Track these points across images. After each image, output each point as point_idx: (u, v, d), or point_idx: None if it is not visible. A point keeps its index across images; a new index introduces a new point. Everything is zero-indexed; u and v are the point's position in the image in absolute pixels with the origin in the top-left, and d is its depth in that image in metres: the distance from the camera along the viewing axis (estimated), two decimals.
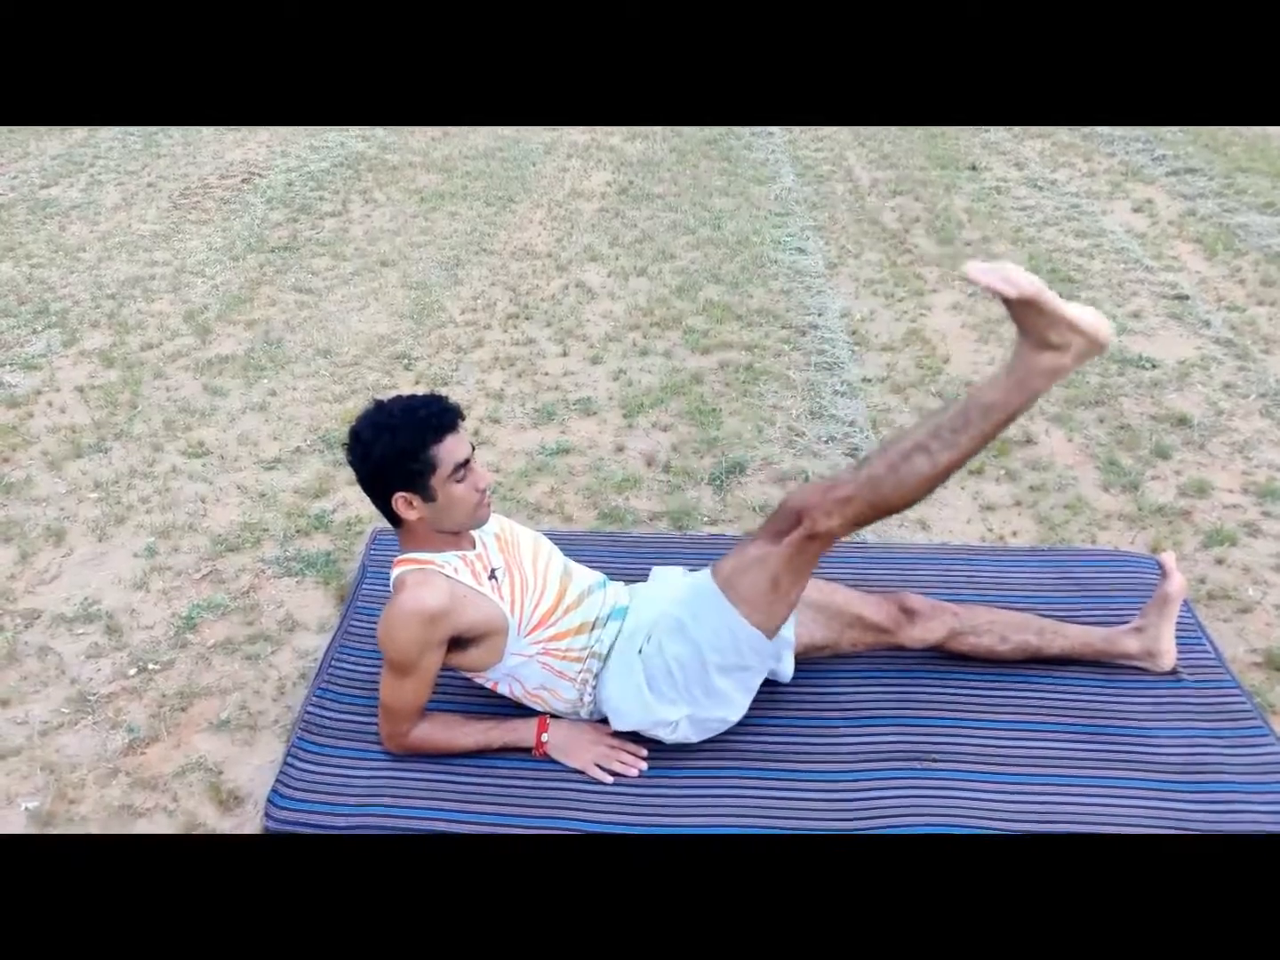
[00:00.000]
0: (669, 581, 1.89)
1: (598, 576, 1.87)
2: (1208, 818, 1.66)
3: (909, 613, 1.88)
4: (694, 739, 1.75)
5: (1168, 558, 1.95)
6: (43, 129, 6.37)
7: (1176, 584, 1.91)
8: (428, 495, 1.64)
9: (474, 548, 1.74)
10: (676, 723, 1.72)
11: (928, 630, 1.87)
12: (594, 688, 1.76)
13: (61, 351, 3.58)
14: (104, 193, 5.23)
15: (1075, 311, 1.49)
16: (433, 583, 1.63)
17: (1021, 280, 1.45)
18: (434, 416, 1.62)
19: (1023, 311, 1.49)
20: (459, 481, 1.64)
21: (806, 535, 1.61)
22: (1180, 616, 2.11)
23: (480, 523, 1.72)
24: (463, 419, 1.67)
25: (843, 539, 1.66)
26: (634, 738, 1.76)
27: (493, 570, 1.70)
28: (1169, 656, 1.92)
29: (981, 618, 1.92)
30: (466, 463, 1.65)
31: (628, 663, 1.72)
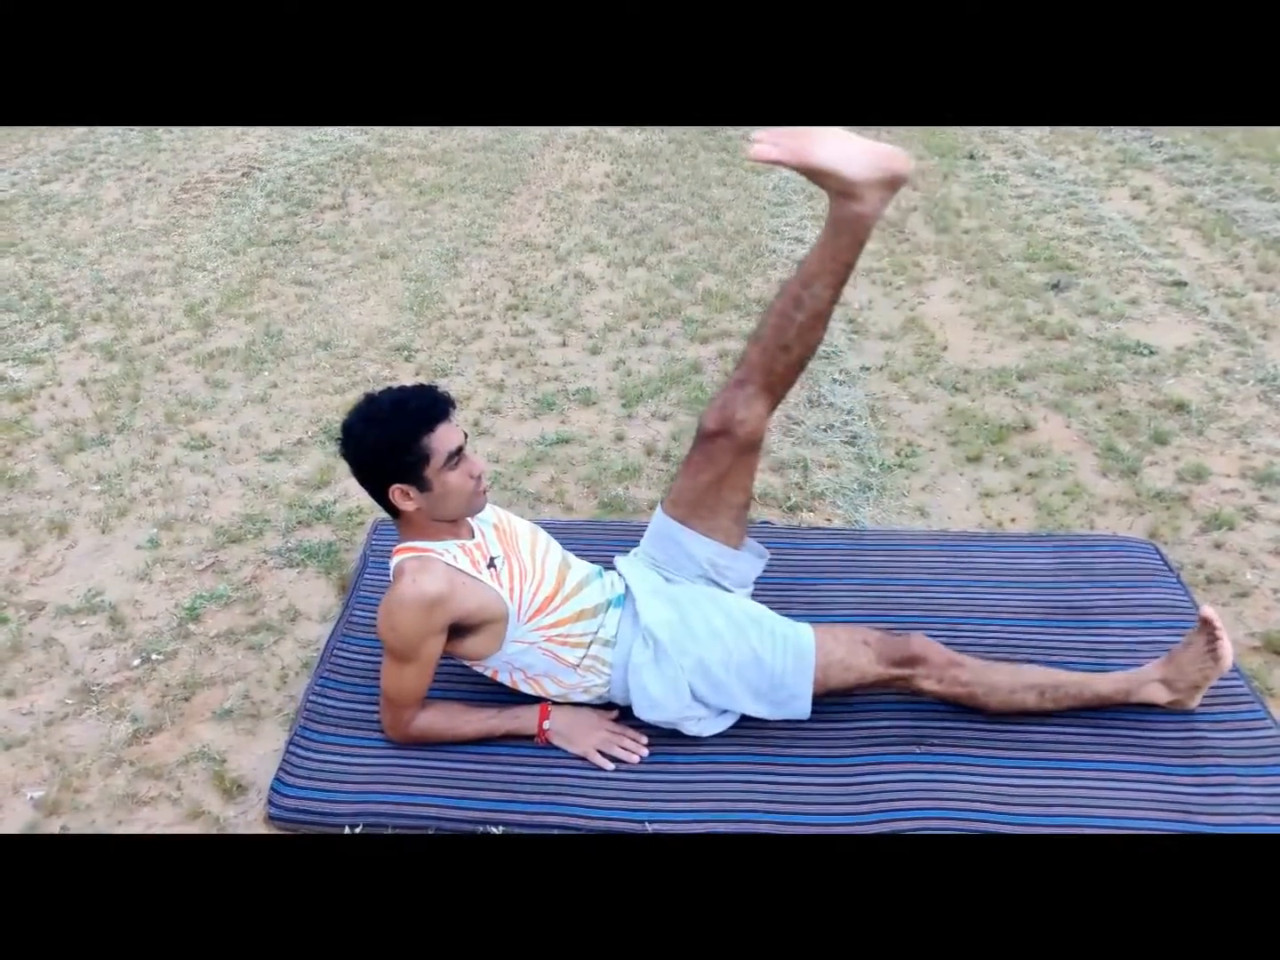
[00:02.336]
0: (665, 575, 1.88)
1: (594, 567, 1.89)
2: (1206, 802, 1.66)
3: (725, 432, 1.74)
4: (714, 731, 1.78)
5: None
6: (42, 125, 6.37)
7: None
8: (423, 485, 1.65)
9: (472, 537, 1.75)
10: (702, 718, 1.77)
11: (748, 427, 1.73)
12: (608, 675, 1.77)
13: (63, 345, 3.59)
14: (104, 188, 5.23)
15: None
16: (432, 569, 1.65)
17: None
18: (424, 408, 1.63)
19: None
20: (453, 470, 1.65)
21: (907, 680, 1.75)
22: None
23: (477, 510, 1.73)
24: (454, 408, 1.68)
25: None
26: (642, 723, 1.78)
27: (491, 559, 1.72)
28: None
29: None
30: (460, 451, 1.66)
31: (672, 673, 1.73)
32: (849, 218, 1.62)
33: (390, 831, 1.66)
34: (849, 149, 1.59)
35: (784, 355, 1.70)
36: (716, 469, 1.74)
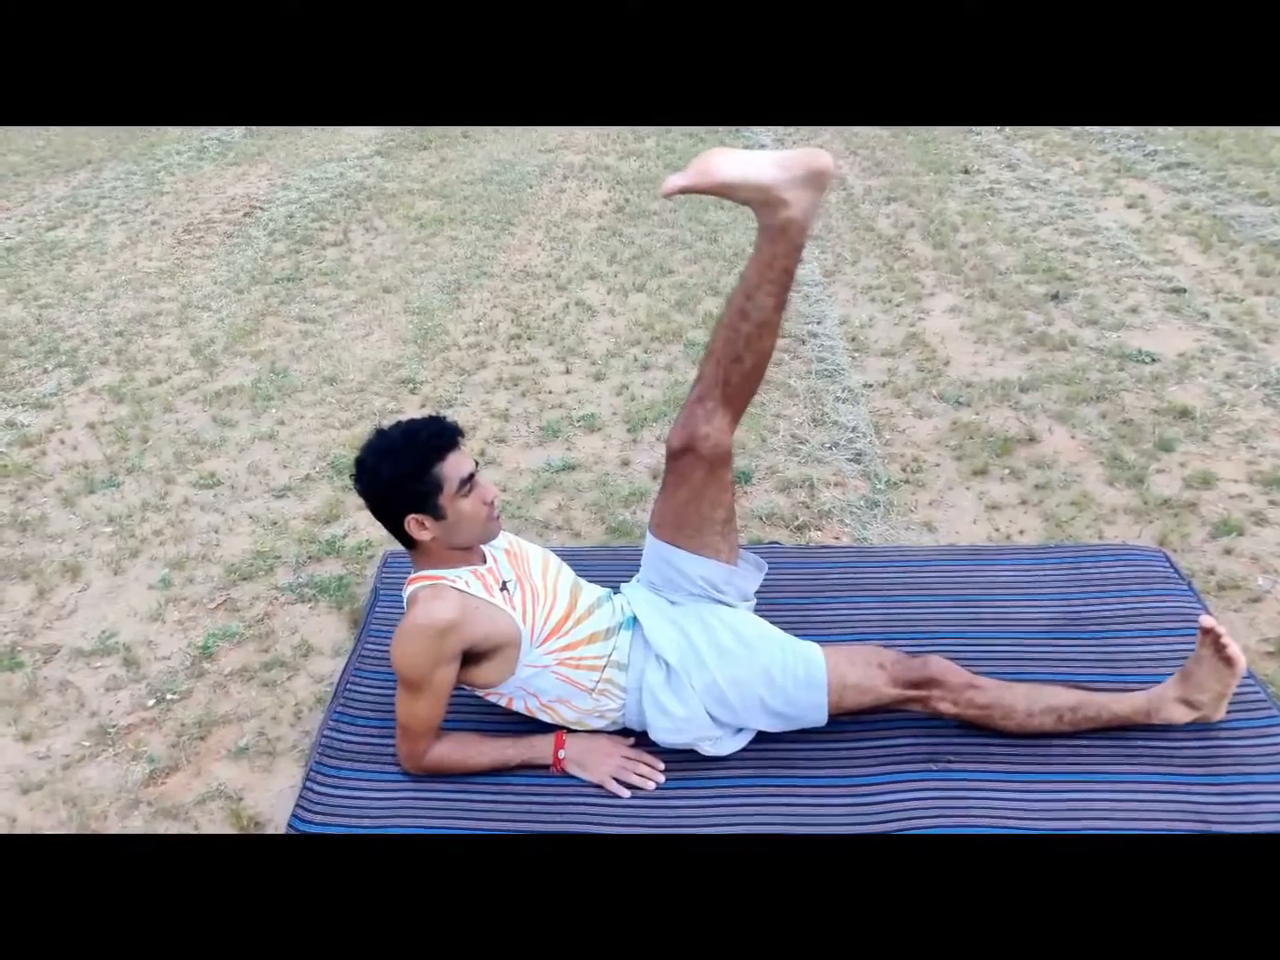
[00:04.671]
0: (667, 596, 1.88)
1: (604, 590, 1.89)
2: (1226, 811, 1.65)
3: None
4: (732, 750, 1.78)
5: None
6: (46, 172, 6.47)
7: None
8: (438, 514, 1.67)
9: (485, 562, 1.76)
10: (719, 737, 1.76)
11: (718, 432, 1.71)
12: (623, 699, 1.77)
13: (72, 389, 3.63)
14: (109, 232, 5.30)
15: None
16: (444, 596, 1.66)
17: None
18: (434, 437, 1.66)
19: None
20: (466, 497, 1.67)
21: (923, 702, 1.74)
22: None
23: (492, 536, 1.75)
24: (462, 436, 1.70)
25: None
26: (658, 749, 1.78)
27: (504, 583, 1.73)
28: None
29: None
30: (471, 477, 1.68)
31: (685, 694, 1.73)
32: (779, 225, 1.61)
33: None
34: (755, 159, 1.59)
35: (738, 367, 1.70)
36: (690, 487, 1.74)
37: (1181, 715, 1.76)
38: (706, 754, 1.77)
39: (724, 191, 1.61)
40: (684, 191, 1.60)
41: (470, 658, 1.69)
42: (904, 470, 2.85)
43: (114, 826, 1.87)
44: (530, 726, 1.83)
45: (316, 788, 1.78)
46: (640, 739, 1.81)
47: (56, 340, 4.02)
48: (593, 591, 1.86)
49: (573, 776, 1.76)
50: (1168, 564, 2.27)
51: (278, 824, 1.81)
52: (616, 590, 1.92)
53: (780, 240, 1.62)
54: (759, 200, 1.61)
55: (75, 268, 4.81)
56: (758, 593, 1.93)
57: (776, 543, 2.53)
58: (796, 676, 1.72)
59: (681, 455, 1.71)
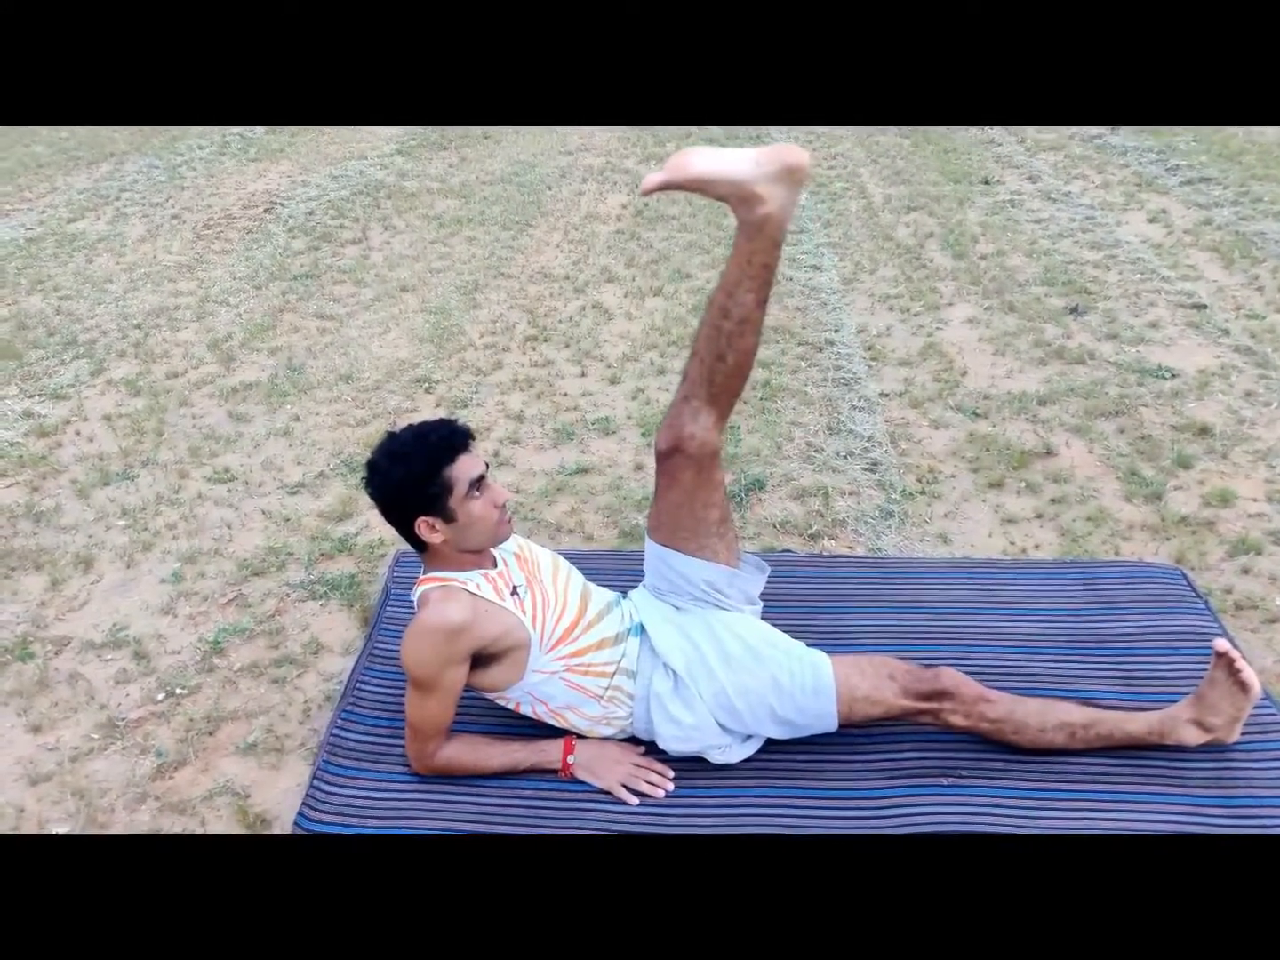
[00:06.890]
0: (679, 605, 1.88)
1: (613, 594, 1.89)
2: (1237, 832, 1.64)
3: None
4: (740, 758, 1.77)
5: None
6: (70, 164, 6.51)
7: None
8: (448, 516, 1.66)
9: (495, 566, 1.76)
10: (728, 745, 1.76)
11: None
12: (631, 707, 1.77)
13: (89, 381, 3.64)
14: (129, 225, 5.33)
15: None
16: (455, 597, 1.65)
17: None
18: (444, 439, 1.66)
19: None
20: (476, 499, 1.66)
21: (934, 714, 1.72)
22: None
23: (503, 539, 1.74)
24: (473, 439, 1.70)
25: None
26: (667, 757, 1.77)
27: (514, 587, 1.72)
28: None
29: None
30: (481, 479, 1.67)
31: (693, 702, 1.73)
32: (757, 221, 1.62)
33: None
34: (730, 155, 1.60)
35: (721, 365, 1.70)
36: (681, 488, 1.74)
37: (1194, 737, 1.74)
38: (715, 762, 1.76)
39: (700, 187, 1.62)
40: (662, 188, 1.61)
41: (479, 661, 1.69)
42: (919, 481, 2.83)
43: (121, 820, 1.87)
44: (540, 730, 1.83)
45: (324, 786, 1.78)
46: (649, 747, 1.80)
47: (75, 332, 4.05)
48: (602, 597, 1.85)
49: (581, 782, 1.76)
50: (1185, 582, 2.25)
51: (284, 822, 1.81)
52: (626, 595, 1.91)
53: (758, 236, 1.63)
54: (735, 196, 1.61)
55: (95, 260, 4.84)
56: (770, 600, 1.92)
57: (790, 550, 2.52)
58: (805, 685, 1.71)
59: (670, 456, 1.72)
